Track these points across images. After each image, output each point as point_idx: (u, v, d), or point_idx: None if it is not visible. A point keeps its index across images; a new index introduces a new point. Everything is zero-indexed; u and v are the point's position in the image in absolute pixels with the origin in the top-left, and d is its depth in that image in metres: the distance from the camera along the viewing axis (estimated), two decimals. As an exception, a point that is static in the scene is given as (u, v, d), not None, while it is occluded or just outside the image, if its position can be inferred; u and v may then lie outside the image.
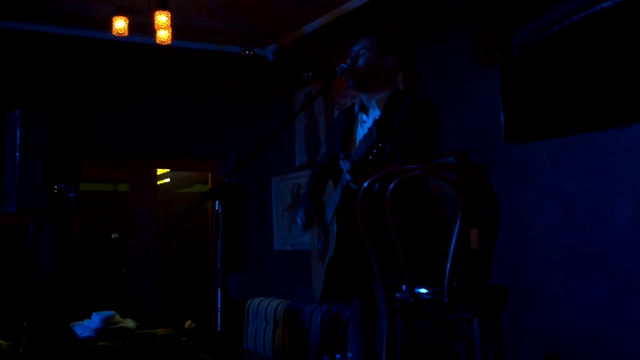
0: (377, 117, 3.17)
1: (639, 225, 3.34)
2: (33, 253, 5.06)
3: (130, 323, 5.91)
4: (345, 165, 2.85)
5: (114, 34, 5.18)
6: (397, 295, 2.67)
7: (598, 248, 3.54)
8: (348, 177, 2.85)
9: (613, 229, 3.46)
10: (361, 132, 3.29)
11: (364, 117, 3.29)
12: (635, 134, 3.37)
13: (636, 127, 3.36)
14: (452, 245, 2.44)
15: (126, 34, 5.18)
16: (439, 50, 4.70)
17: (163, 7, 5.04)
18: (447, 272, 2.50)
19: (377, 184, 2.66)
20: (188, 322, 6.44)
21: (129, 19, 5.19)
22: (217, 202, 3.06)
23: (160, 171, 8.02)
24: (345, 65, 3.23)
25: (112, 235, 8.90)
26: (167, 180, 9.27)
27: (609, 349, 3.43)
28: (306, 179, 3.77)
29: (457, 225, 2.43)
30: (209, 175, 7.49)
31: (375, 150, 2.78)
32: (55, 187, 4.83)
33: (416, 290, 2.61)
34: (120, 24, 5.12)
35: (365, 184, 2.64)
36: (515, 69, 3.97)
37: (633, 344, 3.34)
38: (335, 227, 3.12)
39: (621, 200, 3.43)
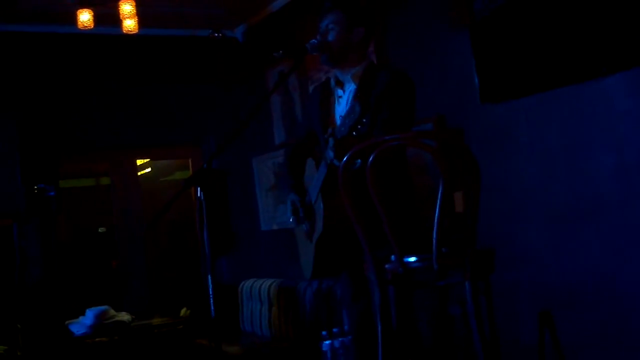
0: (353, 91, 3.16)
1: (622, 175, 3.35)
2: (20, 256, 5.03)
3: (125, 316, 5.90)
4: (329, 143, 2.85)
5: (79, 27, 5.12)
6: (387, 266, 2.67)
7: (583, 201, 3.55)
8: (331, 154, 2.84)
9: (597, 181, 3.47)
10: (338, 107, 3.28)
11: (340, 92, 3.27)
12: (610, 84, 3.37)
13: (610, 78, 3.37)
14: (437, 213, 2.44)
15: (92, 27, 5.12)
16: (409, 16, 4.66)
17: (127, -4, 4.98)
18: (434, 239, 2.50)
19: (359, 160, 2.66)
20: (183, 310, 6.44)
21: (93, 10, 5.13)
22: (198, 189, 3.05)
23: (140, 162, 7.98)
24: (315, 41, 3.20)
25: (99, 230, 8.88)
26: (148, 170, 9.23)
27: (601, 301, 3.46)
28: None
29: (440, 193, 2.44)
30: (190, 161, 7.45)
31: (359, 126, 2.77)
32: (35, 187, 4.80)
33: (405, 259, 2.62)
34: (85, 17, 5.06)
35: (345, 158, 2.63)
36: (486, 29, 3.95)
37: (624, 294, 3.36)
38: (321, 205, 3.11)
39: (602, 151, 3.44)
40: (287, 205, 3.49)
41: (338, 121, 3.19)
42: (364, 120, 2.74)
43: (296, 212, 3.41)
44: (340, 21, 3.18)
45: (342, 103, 3.23)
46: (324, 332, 4.63)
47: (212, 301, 3.15)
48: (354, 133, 2.76)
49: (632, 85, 3.29)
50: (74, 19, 5.15)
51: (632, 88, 3.29)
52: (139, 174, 7.87)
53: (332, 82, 3.30)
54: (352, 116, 2.76)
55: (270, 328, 5.64)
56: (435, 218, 2.46)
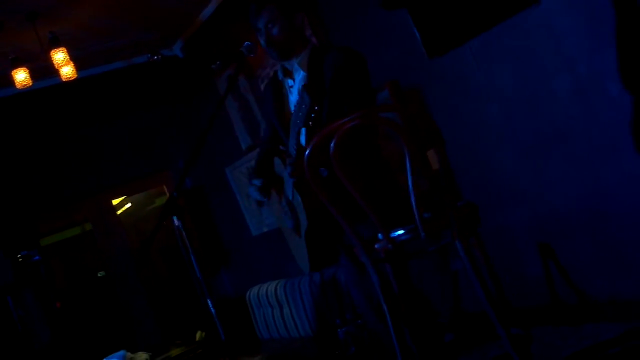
0: (304, 79, 3.12)
1: (579, 91, 3.35)
2: (21, 325, 4.99)
3: (142, 356, 5.86)
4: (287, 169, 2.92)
5: (18, 87, 5.04)
6: (376, 245, 2.65)
7: (550, 127, 3.55)
8: (289, 178, 2.93)
9: (558, 103, 3.47)
10: (291, 98, 3.24)
11: (290, 82, 3.23)
12: (545, 7, 3.36)
13: (545, 1, 3.35)
14: (410, 183, 2.42)
15: (31, 84, 5.04)
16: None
17: (56, 45, 4.90)
18: (414, 209, 2.48)
19: (323, 169, 2.65)
20: (198, 334, 6.42)
21: (28, 68, 5.05)
22: (174, 218, 3.01)
23: (116, 201, 7.93)
24: (249, 43, 3.15)
25: (99, 274, 8.82)
26: (129, 205, 9.17)
27: (591, 220, 3.46)
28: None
29: (408, 164, 2.41)
30: (165, 187, 7.41)
31: (313, 115, 2.74)
32: (19, 255, 4.75)
33: (392, 234, 2.60)
34: (21, 76, 4.98)
35: (308, 151, 2.60)
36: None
37: (608, 209, 3.37)
38: (299, 199, 3.09)
39: (556, 74, 3.43)
40: (250, 191, 3.41)
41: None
42: (316, 107, 2.71)
43: (261, 189, 3.33)
44: (278, 16, 3.12)
45: (295, 92, 3.20)
46: (337, 320, 4.63)
47: (218, 323, 3.13)
48: (310, 123, 2.74)
49: (567, 2, 3.28)
50: (10, 80, 5.08)
51: (567, 6, 3.28)
52: (119, 212, 7.82)
53: (280, 74, 3.26)
54: (304, 107, 2.73)
55: (286, 329, 5.63)
56: (410, 188, 2.44)
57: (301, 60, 3.14)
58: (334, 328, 4.70)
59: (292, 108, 3.20)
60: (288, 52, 3.15)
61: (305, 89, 2.73)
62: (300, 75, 3.15)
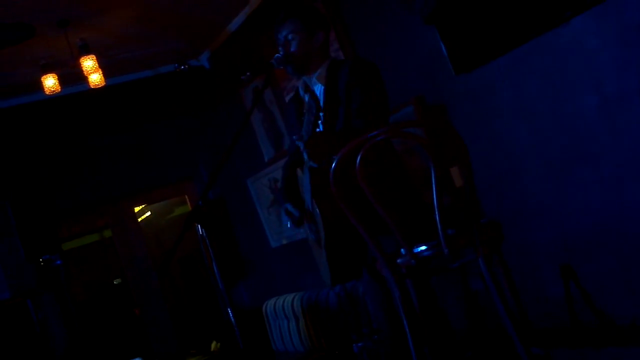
0: (322, 92, 3.14)
1: (606, 111, 3.34)
2: (40, 328, 5.02)
3: (157, 364, 5.88)
4: (300, 145, 2.86)
5: (47, 93, 5.11)
6: (399, 260, 2.65)
7: (575, 147, 3.54)
8: (306, 156, 2.85)
9: (584, 122, 3.46)
10: (310, 113, 3.27)
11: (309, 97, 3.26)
12: (576, 27, 3.36)
13: (575, 21, 3.36)
14: (435, 199, 2.42)
15: (59, 90, 5.11)
16: (366, 7, 4.66)
17: (86, 52, 4.96)
18: (438, 224, 2.48)
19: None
20: (213, 344, 6.42)
21: (57, 74, 5.12)
22: (199, 226, 3.03)
23: (138, 208, 7.98)
24: (279, 55, 3.18)
25: (115, 282, 8.88)
26: (149, 214, 9.22)
27: (615, 241, 3.44)
28: (280, 171, 3.74)
29: (433, 178, 2.42)
30: (186, 197, 7.45)
31: (320, 122, 2.78)
32: (41, 259, 4.79)
33: (415, 250, 2.60)
34: (50, 82, 5.04)
35: (334, 164, 2.61)
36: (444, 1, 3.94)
37: (633, 229, 3.35)
38: (317, 211, 3.10)
39: (583, 93, 3.43)
40: (283, 216, 3.48)
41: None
42: (320, 114, 2.75)
43: (291, 215, 3.38)
44: (299, 29, 3.15)
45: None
46: (354, 335, 4.61)
47: (237, 332, 3.13)
48: (318, 129, 2.79)
49: (597, 22, 3.28)
50: (39, 86, 5.15)
51: (597, 26, 3.29)
52: (139, 219, 7.87)
53: (301, 91, 3.29)
54: (311, 113, 2.77)
55: (302, 342, 5.62)
56: (435, 204, 2.44)
57: (319, 74, 3.17)
58: (349, 342, 4.69)
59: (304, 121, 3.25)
60: (302, 67, 3.17)
61: (313, 97, 2.77)
62: (319, 90, 3.17)
